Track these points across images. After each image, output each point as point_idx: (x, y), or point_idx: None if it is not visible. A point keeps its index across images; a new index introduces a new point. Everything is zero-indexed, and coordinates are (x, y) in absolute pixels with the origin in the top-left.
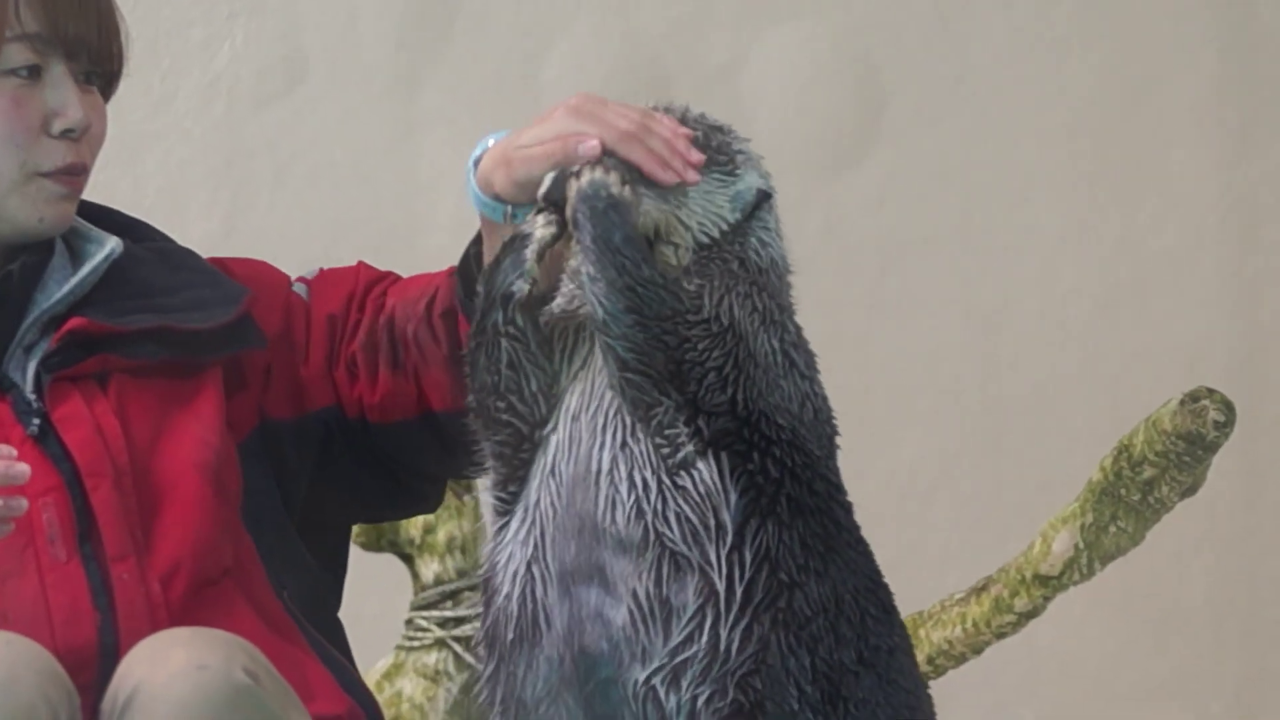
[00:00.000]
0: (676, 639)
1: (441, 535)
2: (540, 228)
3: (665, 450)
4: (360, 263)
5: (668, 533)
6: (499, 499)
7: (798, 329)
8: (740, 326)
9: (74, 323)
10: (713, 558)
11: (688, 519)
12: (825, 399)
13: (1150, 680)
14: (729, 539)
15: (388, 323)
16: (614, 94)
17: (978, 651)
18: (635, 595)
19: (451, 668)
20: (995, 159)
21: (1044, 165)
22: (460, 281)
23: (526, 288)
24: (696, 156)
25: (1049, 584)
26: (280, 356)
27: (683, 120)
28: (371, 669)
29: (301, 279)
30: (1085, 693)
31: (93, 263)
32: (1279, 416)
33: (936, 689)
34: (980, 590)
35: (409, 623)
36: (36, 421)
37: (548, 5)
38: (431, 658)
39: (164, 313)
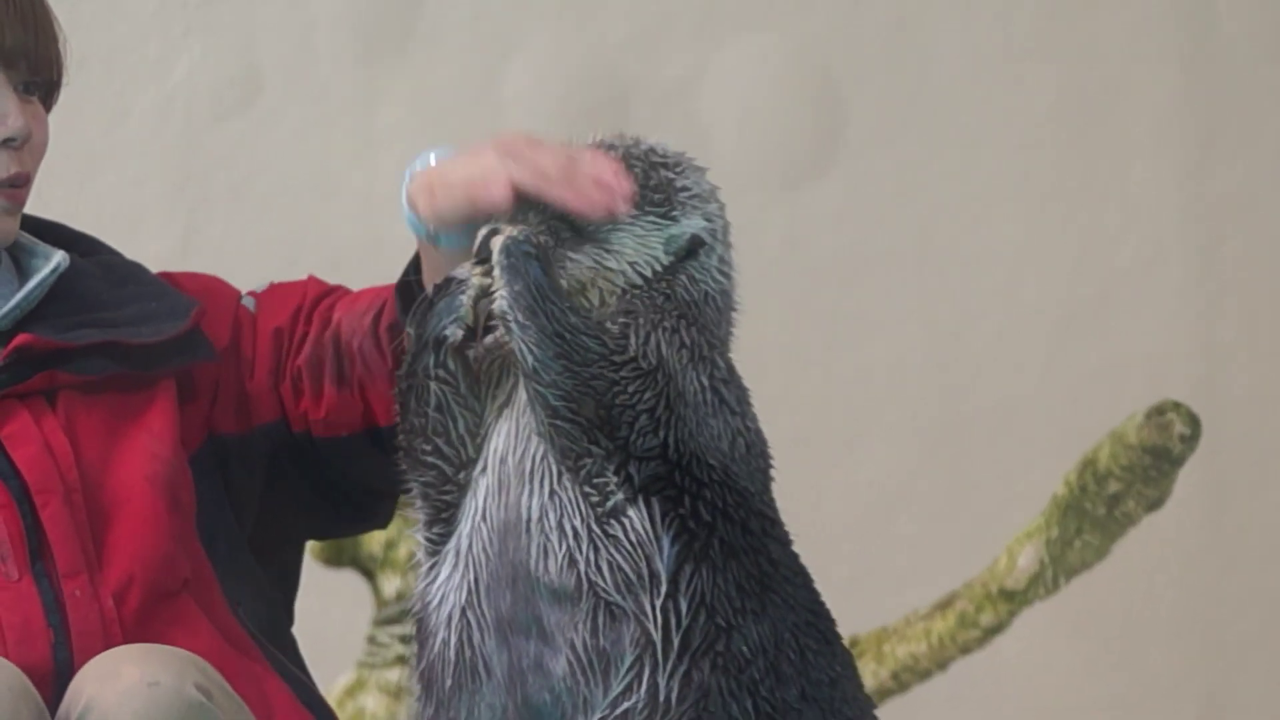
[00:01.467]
0: (616, 689)
1: (403, 551)
2: (477, 276)
3: (595, 499)
4: (310, 276)
5: (600, 582)
6: (427, 539)
7: (728, 365)
8: (668, 364)
9: (21, 339)
10: (647, 607)
11: (620, 568)
12: (758, 432)
13: (1115, 695)
14: (663, 587)
15: (334, 337)
16: (573, 107)
17: (943, 666)
18: (573, 645)
19: None
20: (956, 173)
21: (1004, 179)
22: (399, 300)
23: (460, 333)
24: (624, 187)
25: (1014, 598)
26: (228, 371)
27: (627, 155)
28: (333, 685)
29: (251, 293)
30: (1050, 708)
31: (39, 277)
32: (1242, 430)
33: (901, 703)
34: (945, 605)
35: (371, 639)
36: None
37: (506, 19)
38: (394, 674)
39: (112, 327)
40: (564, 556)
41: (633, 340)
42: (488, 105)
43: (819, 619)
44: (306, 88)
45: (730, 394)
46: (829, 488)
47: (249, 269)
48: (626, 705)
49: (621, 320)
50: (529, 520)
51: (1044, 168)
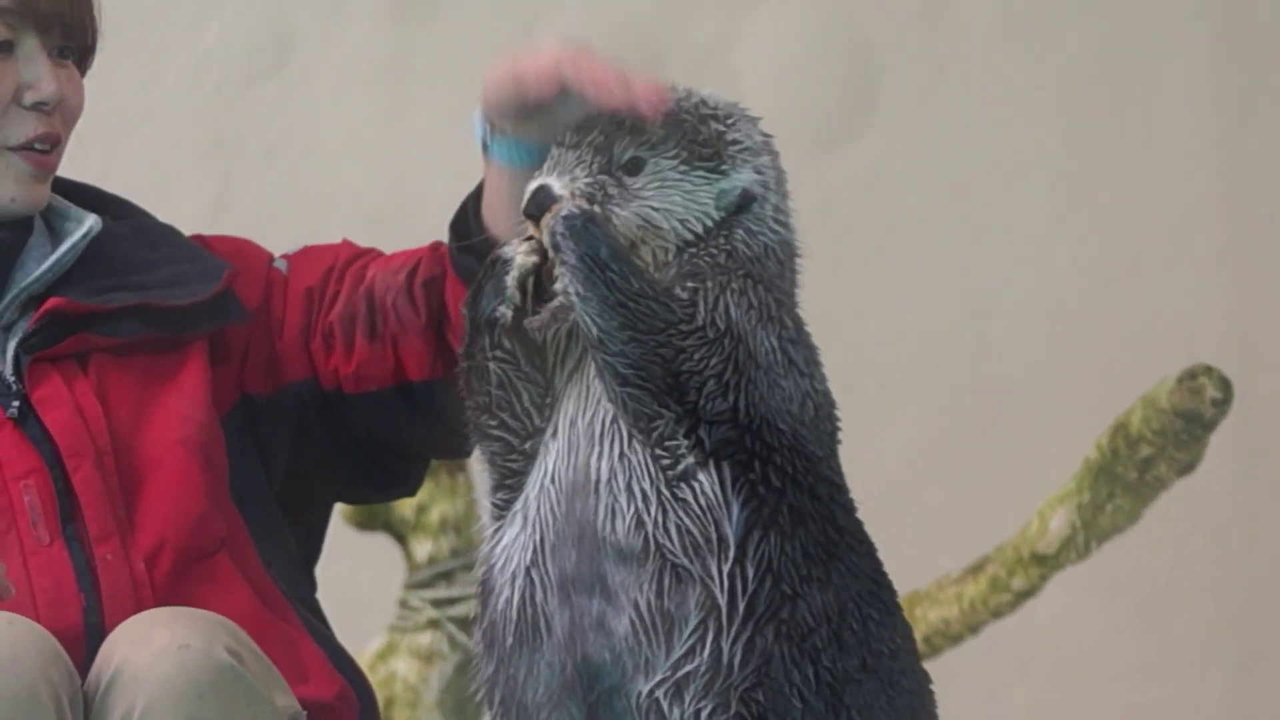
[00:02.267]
0: (679, 651)
1: (435, 515)
2: (522, 255)
3: (666, 462)
4: (344, 239)
5: (668, 545)
6: (494, 504)
7: (797, 322)
8: (738, 328)
9: (53, 302)
10: (714, 571)
11: (689, 531)
12: (826, 394)
13: (1146, 659)
14: (731, 552)
15: (367, 293)
16: None
17: (974, 630)
18: (637, 606)
19: (445, 648)
20: (988, 138)
21: (1037, 144)
22: (453, 234)
23: (509, 314)
24: (667, 102)
25: (1046, 563)
26: (259, 332)
27: (678, 107)
28: (365, 649)
29: (285, 255)
30: (1081, 671)
31: (71, 240)
32: (1274, 393)
33: (933, 668)
34: (977, 570)
35: (402, 603)
36: (16, 404)
37: None
38: (425, 638)
39: (144, 290)
40: (632, 518)
41: (701, 305)
42: None
43: (881, 589)
44: (338, 51)
45: (799, 354)
46: (861, 452)
47: (281, 231)
48: (689, 668)
49: (690, 285)
50: (598, 481)
51: (1077, 132)
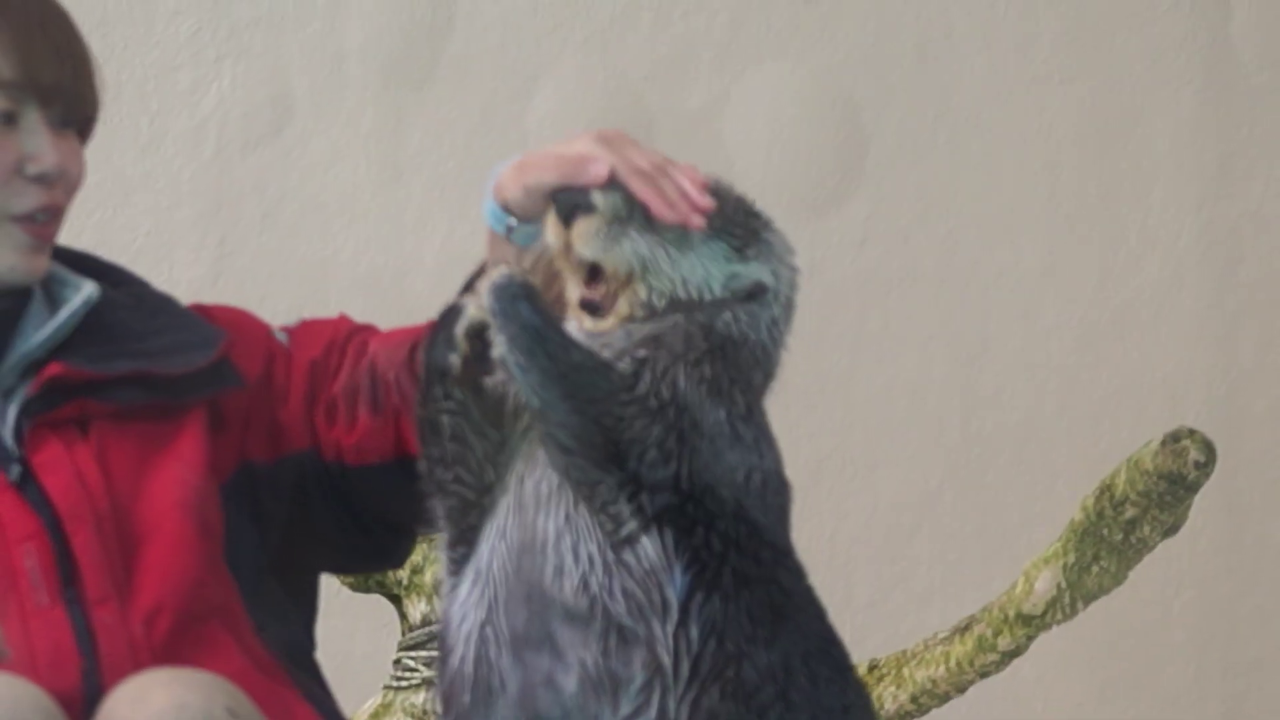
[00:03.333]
0: (625, 710)
1: (429, 576)
2: (474, 307)
3: (609, 527)
4: (341, 314)
5: (613, 607)
6: (450, 559)
7: (749, 405)
8: (684, 398)
9: (53, 369)
10: (659, 633)
11: (633, 594)
12: (777, 472)
13: (1131, 719)
14: (674, 615)
15: (370, 366)
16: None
17: (961, 690)
18: (584, 665)
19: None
20: (976, 198)
21: (1024, 203)
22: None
23: (457, 362)
24: (706, 203)
25: (1032, 623)
26: (260, 401)
27: (719, 187)
28: (360, 710)
29: (284, 328)
30: None
31: (70, 308)
32: (1259, 453)
33: None
34: (964, 629)
35: (397, 663)
36: (17, 468)
37: (532, 48)
38: (419, 698)
39: (143, 357)
40: (578, 579)
41: (647, 375)
42: (513, 134)
43: (832, 647)
44: (336, 115)
45: (747, 431)
46: (850, 510)
47: (279, 294)
48: None
49: (640, 354)
50: (544, 542)
51: (1063, 192)
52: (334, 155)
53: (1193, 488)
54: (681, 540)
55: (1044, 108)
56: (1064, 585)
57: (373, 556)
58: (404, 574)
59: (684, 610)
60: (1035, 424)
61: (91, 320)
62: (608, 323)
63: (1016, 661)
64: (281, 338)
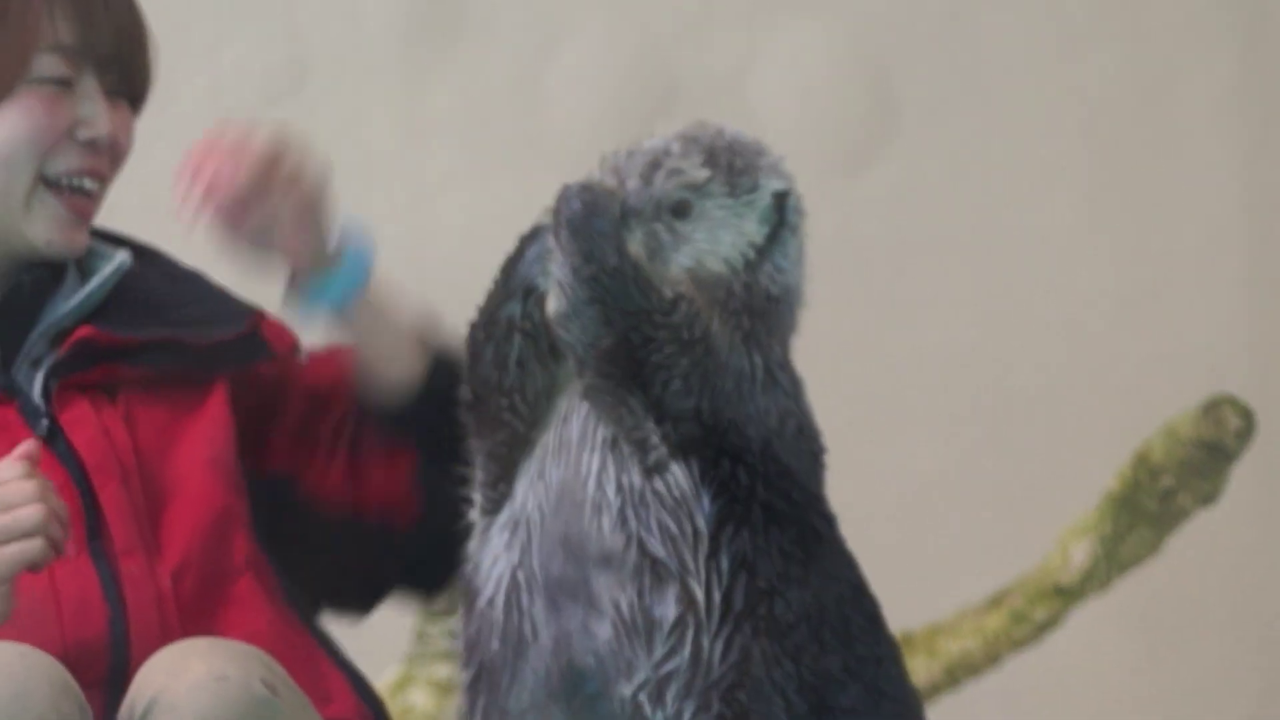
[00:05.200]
0: (660, 652)
1: None
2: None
3: (639, 453)
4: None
5: (649, 541)
6: (487, 497)
7: (785, 353)
8: (715, 340)
9: (83, 332)
10: (690, 564)
11: (666, 526)
12: (810, 420)
13: (1169, 690)
14: (705, 545)
15: (357, 416)
16: (622, 96)
17: (995, 662)
18: (619, 608)
19: None
20: (1009, 160)
21: (1059, 166)
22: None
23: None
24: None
25: (1067, 594)
26: (265, 404)
27: (711, 148)
28: (381, 680)
29: (310, 352)
30: (1103, 703)
31: (101, 275)
32: None
33: (954, 700)
34: (998, 601)
35: (419, 634)
36: (44, 422)
37: (556, 8)
38: (442, 669)
39: (173, 325)
40: (616, 513)
41: (684, 308)
42: (536, 94)
43: (863, 598)
44: (354, 75)
45: (784, 378)
46: (881, 479)
47: None
48: (670, 668)
49: (682, 289)
50: (586, 476)
51: (1098, 156)
52: (353, 116)
53: (1231, 455)
54: (708, 471)
55: (1079, 69)
56: (1100, 555)
57: (331, 600)
58: None
59: (714, 540)
60: (1069, 394)
61: (123, 288)
62: None
63: (1051, 633)
64: (301, 357)
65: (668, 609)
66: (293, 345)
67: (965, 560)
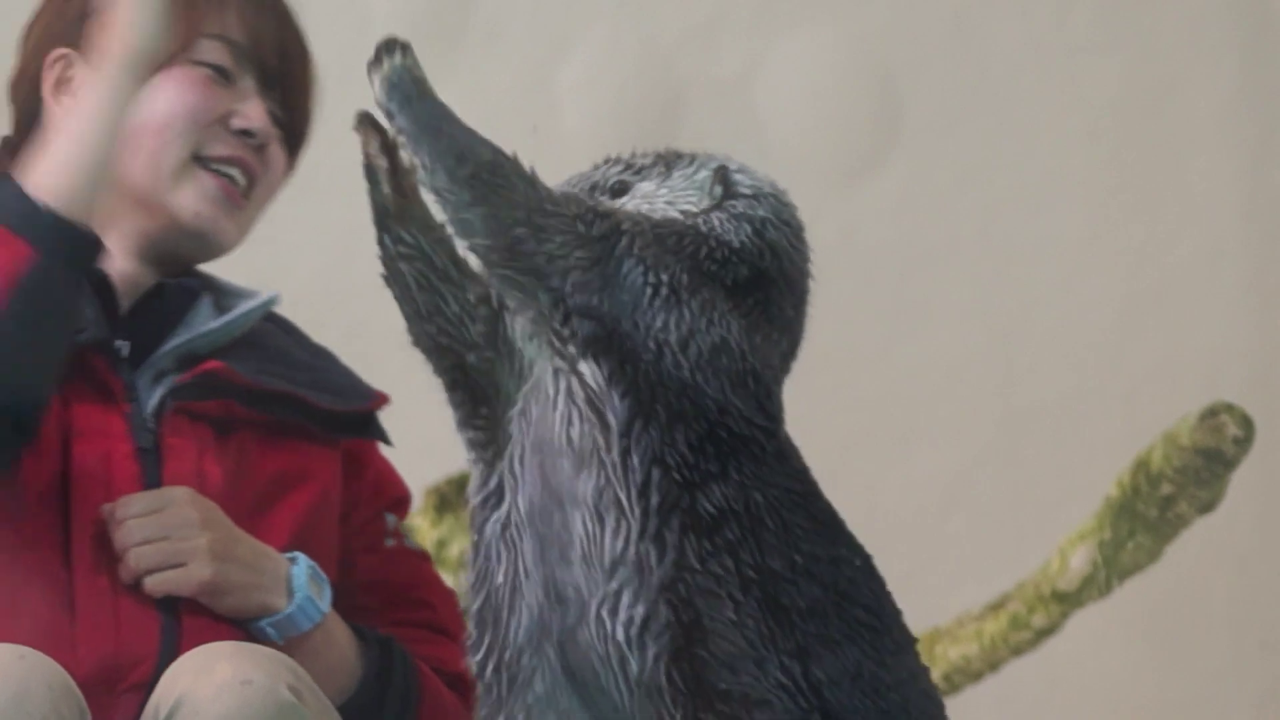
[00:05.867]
0: (608, 564)
1: (454, 550)
2: (375, 156)
3: (555, 349)
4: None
5: (593, 436)
6: (471, 441)
7: (694, 283)
8: (620, 249)
9: (212, 364)
10: (607, 458)
11: (589, 419)
12: (730, 344)
13: (1167, 697)
14: (617, 441)
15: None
16: (628, 102)
17: (995, 668)
18: (584, 540)
19: None
20: (1013, 167)
21: (1062, 173)
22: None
23: (387, 192)
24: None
25: (1067, 600)
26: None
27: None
28: None
29: (396, 530)
30: (1101, 710)
31: (244, 309)
32: None
33: (953, 705)
34: (998, 607)
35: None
36: (149, 437)
37: (563, 13)
38: None
39: (300, 384)
40: (575, 415)
41: (577, 203)
42: (543, 101)
43: (807, 500)
44: (361, 82)
45: (692, 301)
46: (884, 484)
47: (306, 261)
48: (619, 580)
49: (615, 200)
50: (554, 395)
51: (1102, 162)
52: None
53: (1230, 463)
54: (615, 372)
55: (1082, 75)
56: (1099, 562)
57: None
58: (430, 547)
59: (624, 434)
60: (1070, 400)
61: (259, 334)
62: None
63: (1050, 640)
64: (391, 519)
65: (609, 521)
66: (398, 501)
67: (966, 566)
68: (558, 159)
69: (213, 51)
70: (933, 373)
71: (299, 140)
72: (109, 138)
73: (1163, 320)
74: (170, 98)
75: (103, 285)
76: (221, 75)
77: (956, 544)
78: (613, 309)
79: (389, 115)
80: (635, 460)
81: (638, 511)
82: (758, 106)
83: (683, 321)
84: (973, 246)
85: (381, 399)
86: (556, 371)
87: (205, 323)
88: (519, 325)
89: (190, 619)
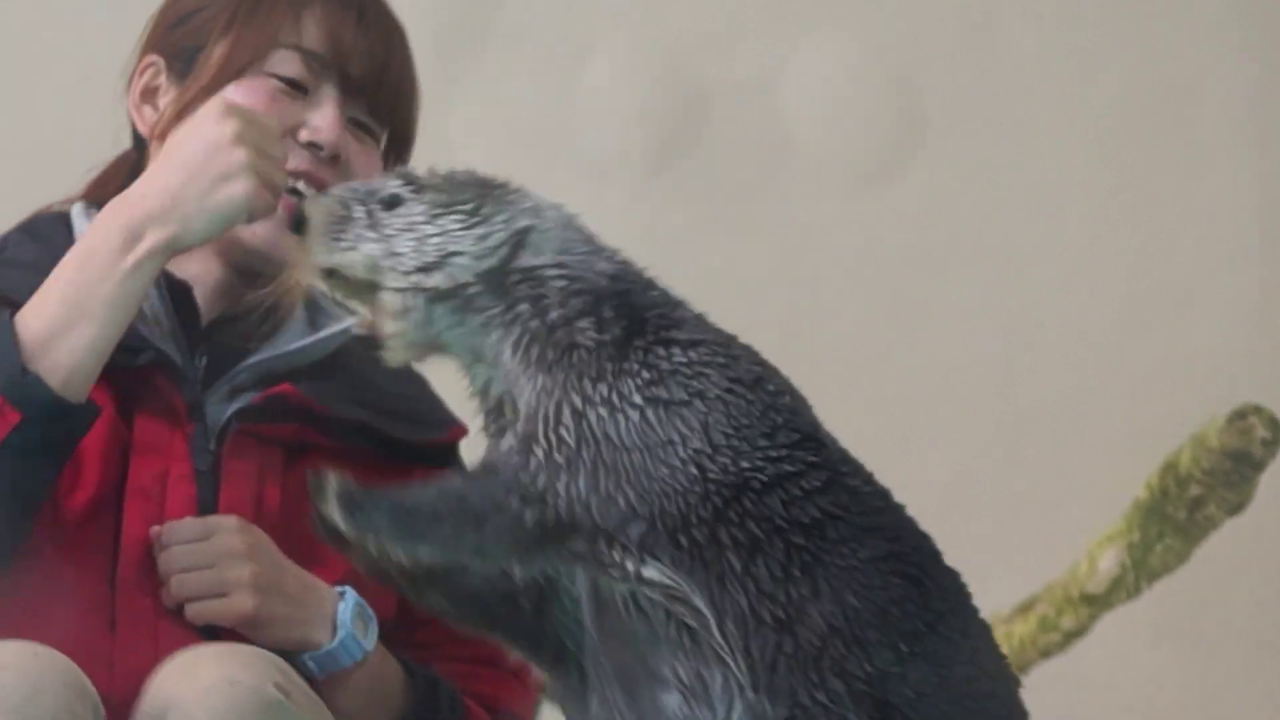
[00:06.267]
0: (721, 710)
1: None
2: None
3: (620, 579)
4: None
5: (682, 627)
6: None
7: (651, 365)
8: (588, 432)
9: (283, 388)
10: (707, 638)
11: (677, 610)
12: (689, 445)
13: (1196, 699)
14: (711, 618)
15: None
16: (652, 105)
17: (1023, 670)
18: (678, 676)
19: None
20: (1033, 168)
21: (1082, 175)
22: None
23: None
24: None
25: (1095, 602)
26: None
27: (426, 175)
28: None
29: None
30: (1131, 712)
31: (330, 330)
32: None
33: None
34: (1026, 609)
35: None
36: (209, 458)
37: (586, 16)
38: None
39: (375, 413)
40: (659, 631)
41: (530, 455)
42: (566, 103)
43: (900, 557)
44: None
45: (667, 416)
46: (909, 487)
47: None
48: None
49: (520, 429)
50: (623, 604)
51: (1120, 164)
52: None
53: (1259, 465)
54: (669, 552)
55: (1100, 80)
56: (1128, 564)
57: None
58: None
59: (714, 607)
60: (1097, 400)
61: (342, 357)
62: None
63: (1079, 642)
64: None
65: (711, 670)
66: None
67: (994, 568)
68: (582, 163)
69: (286, 63)
70: (959, 374)
71: (400, 143)
72: (123, 322)
73: (1190, 323)
74: None
75: (183, 297)
76: (293, 87)
77: (985, 547)
78: (637, 495)
79: (355, 536)
80: (730, 626)
81: (745, 673)
82: (779, 112)
83: (677, 443)
84: (996, 249)
85: (459, 430)
86: (627, 596)
87: (291, 341)
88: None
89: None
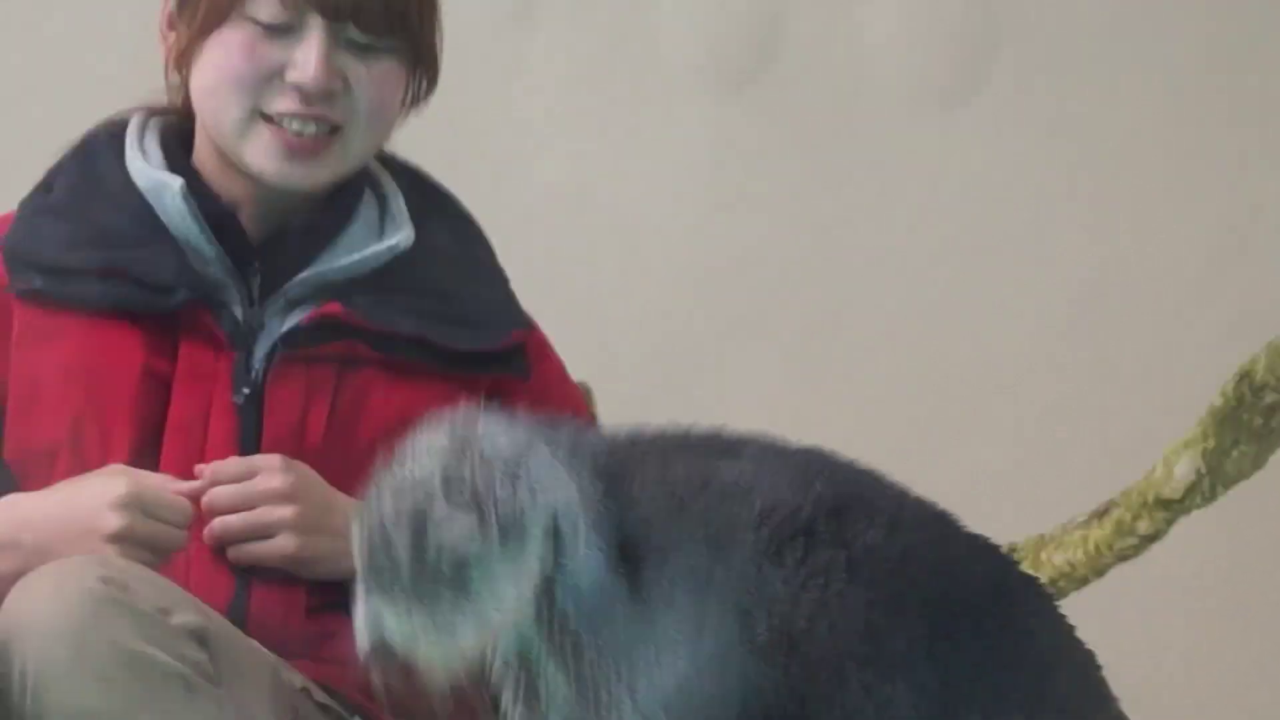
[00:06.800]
0: None
1: None
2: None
3: None
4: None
5: None
6: None
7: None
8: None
9: (330, 308)
10: None
11: None
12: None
13: (1272, 602)
14: None
15: None
16: (727, 27)
17: (1100, 574)
18: None
19: None
20: (1109, 102)
21: (1168, 102)
22: None
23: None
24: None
25: (1171, 507)
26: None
27: (448, 485)
28: None
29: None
30: (1206, 615)
31: (375, 249)
32: None
33: None
34: (1102, 513)
35: None
36: (246, 391)
37: None
38: None
39: (431, 323)
40: None
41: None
42: (644, 22)
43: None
44: (457, 14)
45: (602, 679)
46: (998, 395)
47: None
48: None
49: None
50: None
51: (1194, 109)
52: (458, 51)
53: None
54: None
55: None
56: (1203, 470)
57: None
58: None
59: None
60: (1174, 307)
61: (395, 268)
62: None
63: (1155, 546)
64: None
65: None
66: (557, 373)
67: (1071, 473)
68: (658, 88)
69: (263, 7)
70: (1038, 281)
71: (416, 54)
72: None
73: (1266, 233)
74: (218, 63)
75: (227, 223)
76: (274, 29)
77: (1062, 452)
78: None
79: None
80: None
81: None
82: (860, 29)
83: (682, 672)
84: (1073, 172)
85: (520, 334)
86: None
87: (351, 249)
88: None
89: (260, 586)
